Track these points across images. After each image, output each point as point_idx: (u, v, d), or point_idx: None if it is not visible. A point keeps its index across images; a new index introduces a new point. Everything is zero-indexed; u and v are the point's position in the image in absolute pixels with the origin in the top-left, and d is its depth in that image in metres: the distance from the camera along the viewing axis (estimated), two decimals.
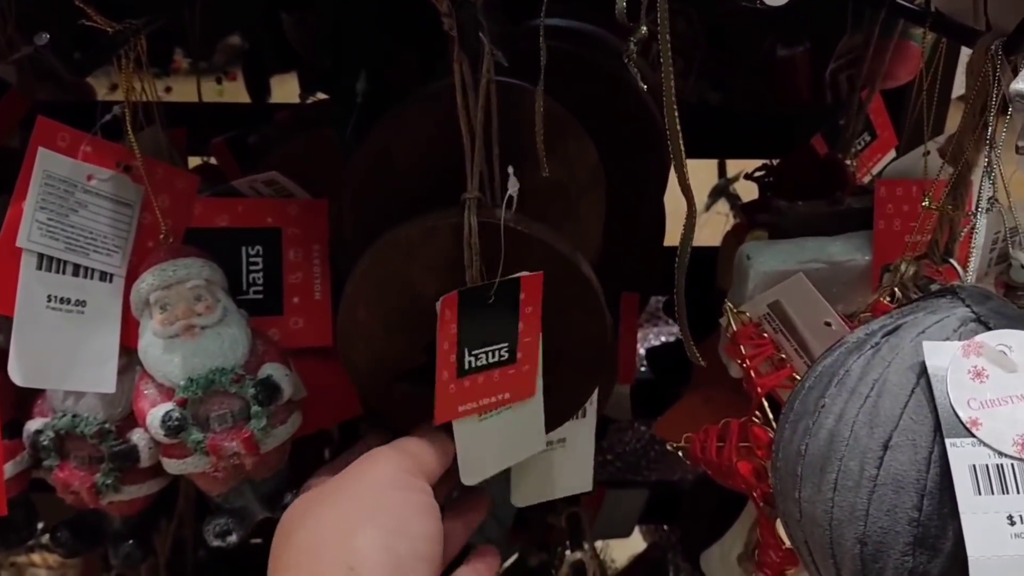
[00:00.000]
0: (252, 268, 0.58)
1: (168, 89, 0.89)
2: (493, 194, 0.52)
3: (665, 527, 1.03)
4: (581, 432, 0.62)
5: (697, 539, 0.90)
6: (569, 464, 0.63)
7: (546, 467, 0.62)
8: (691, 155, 0.71)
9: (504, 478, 0.90)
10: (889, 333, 0.40)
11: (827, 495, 0.39)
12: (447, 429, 0.51)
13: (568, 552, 0.69)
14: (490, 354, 0.51)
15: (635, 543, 1.11)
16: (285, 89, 0.92)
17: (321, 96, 0.83)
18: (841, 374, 0.40)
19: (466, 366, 0.50)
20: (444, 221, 0.50)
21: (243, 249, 0.58)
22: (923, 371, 0.37)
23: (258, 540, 0.91)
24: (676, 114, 0.40)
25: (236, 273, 0.57)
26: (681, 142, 0.40)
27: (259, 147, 0.66)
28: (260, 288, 0.58)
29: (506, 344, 0.51)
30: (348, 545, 0.39)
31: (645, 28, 0.48)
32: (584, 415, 0.62)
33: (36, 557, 1.14)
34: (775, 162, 0.72)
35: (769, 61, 0.75)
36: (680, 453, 0.62)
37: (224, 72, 0.92)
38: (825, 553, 0.39)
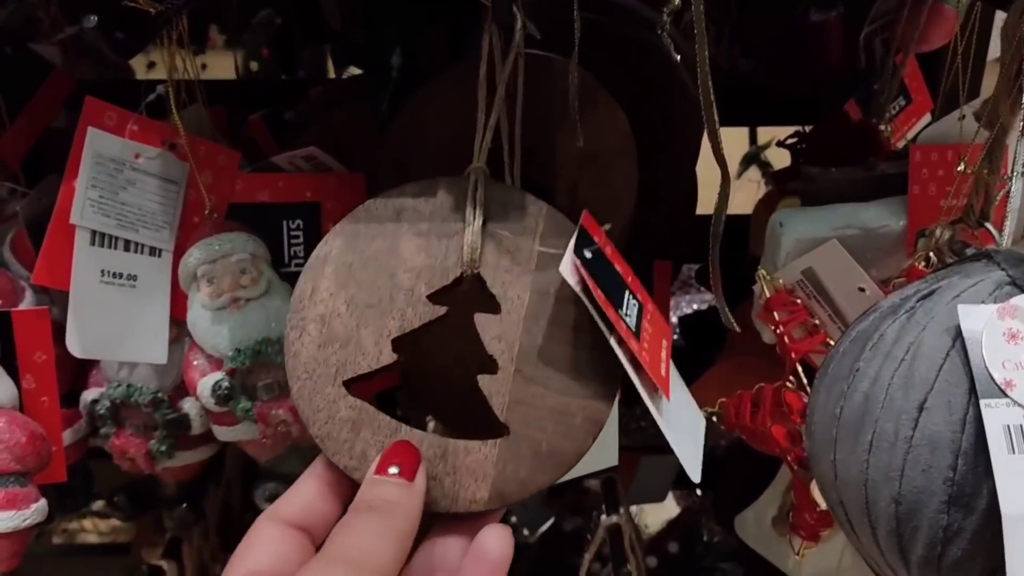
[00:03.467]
0: (293, 241, 0.60)
1: (203, 66, 0.90)
2: (524, 166, 0.52)
3: (698, 492, 1.05)
4: None
5: (730, 503, 0.91)
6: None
7: None
8: (722, 123, 0.71)
9: None
10: (924, 297, 0.40)
11: (862, 457, 0.39)
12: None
13: (604, 516, 0.70)
14: (630, 308, 0.44)
15: (668, 509, 1.12)
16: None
17: (354, 71, 0.84)
18: (876, 338, 0.41)
19: (632, 329, 0.43)
20: (446, 178, 0.47)
21: (284, 223, 0.59)
22: (958, 334, 0.38)
23: None
24: (710, 82, 0.40)
25: (278, 247, 0.59)
26: (715, 110, 0.40)
27: (295, 123, 0.67)
28: (301, 261, 0.60)
29: (627, 291, 0.45)
30: None
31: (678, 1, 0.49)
32: None
33: (87, 523, 1.18)
34: (807, 129, 0.72)
35: (802, 26, 0.74)
36: (714, 418, 0.63)
37: (258, 49, 0.94)
38: (860, 513, 0.40)
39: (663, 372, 0.46)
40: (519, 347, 0.43)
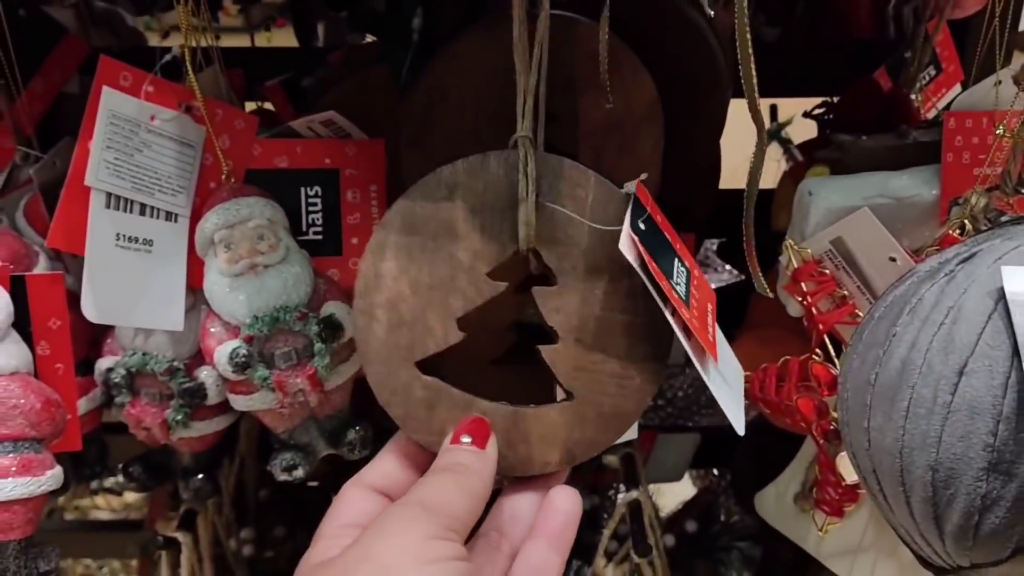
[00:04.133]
0: (311, 209, 0.59)
1: (217, 36, 0.89)
2: (547, 131, 0.50)
3: (715, 472, 1.04)
4: None
5: (748, 482, 0.90)
6: None
7: None
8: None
9: None
10: (964, 260, 0.39)
11: (898, 423, 0.38)
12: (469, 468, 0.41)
13: (623, 492, 0.69)
14: (678, 275, 0.45)
15: (682, 488, 1.11)
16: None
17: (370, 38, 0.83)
18: (913, 302, 0.40)
19: (682, 296, 0.44)
20: (495, 153, 0.46)
21: (302, 190, 0.58)
22: (1000, 296, 0.36)
23: (314, 483, 0.94)
24: (750, 46, 0.39)
25: (296, 214, 0.58)
26: (754, 72, 0.39)
27: (313, 90, 0.66)
28: (319, 229, 0.59)
29: (675, 259, 0.46)
30: None
31: None
32: None
33: (100, 500, 1.18)
34: (835, 100, 0.71)
35: None
36: None
37: (272, 18, 0.92)
38: (895, 481, 0.39)
39: (711, 336, 0.47)
40: (578, 317, 0.44)
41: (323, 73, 0.66)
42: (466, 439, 0.41)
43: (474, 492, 0.38)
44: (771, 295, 0.49)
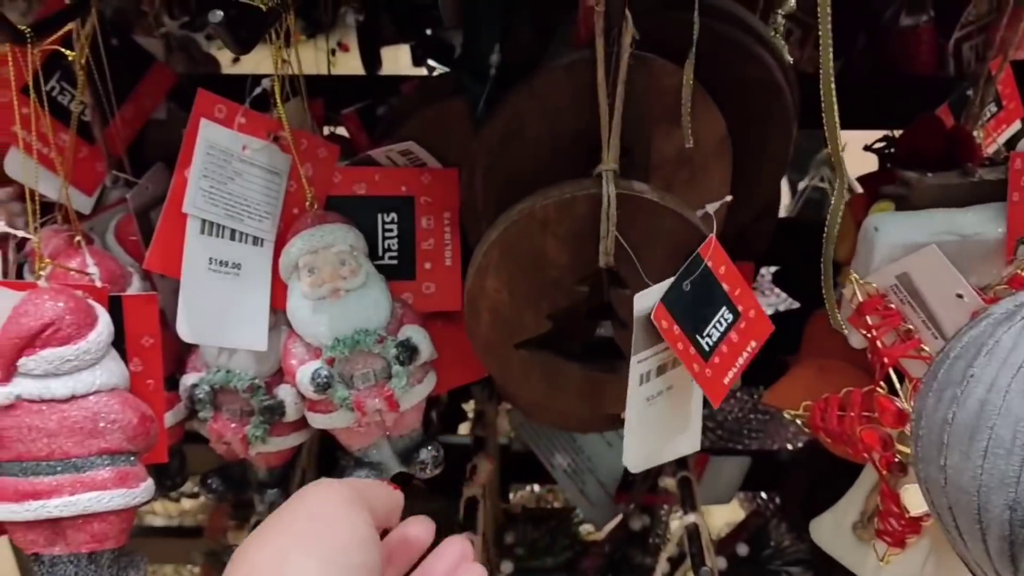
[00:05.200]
0: (387, 234, 0.61)
1: (285, 61, 0.92)
2: (620, 164, 0.53)
3: (763, 495, 1.04)
4: (673, 402, 0.62)
5: (798, 507, 0.90)
6: (678, 426, 0.63)
7: (656, 431, 0.62)
8: (806, 124, 0.71)
9: (607, 442, 0.92)
10: None
11: (976, 462, 0.39)
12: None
13: (681, 515, 0.71)
14: (718, 325, 0.53)
15: (726, 510, 1.12)
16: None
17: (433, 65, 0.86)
18: (991, 344, 0.41)
19: (706, 348, 0.53)
20: (581, 192, 0.52)
21: (379, 216, 0.61)
22: None
23: None
24: (833, 86, 0.40)
25: (372, 239, 0.60)
26: (836, 116, 0.40)
27: (388, 118, 0.68)
28: (395, 254, 0.61)
29: (724, 307, 0.54)
30: (285, 573, 0.36)
31: (793, 2, 0.49)
32: (671, 388, 0.63)
33: (157, 506, 1.21)
34: (896, 133, 0.72)
35: (891, 30, 0.74)
36: (799, 421, 0.63)
37: (338, 43, 0.95)
38: (971, 519, 0.40)
39: (725, 380, 0.55)
40: None
41: (398, 102, 0.69)
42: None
43: (387, 499, 0.42)
44: (845, 331, 0.50)
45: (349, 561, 0.37)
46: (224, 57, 0.92)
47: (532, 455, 0.93)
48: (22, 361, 0.50)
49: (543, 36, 0.74)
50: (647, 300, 0.51)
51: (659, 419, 0.60)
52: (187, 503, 1.18)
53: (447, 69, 0.85)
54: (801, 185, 1.21)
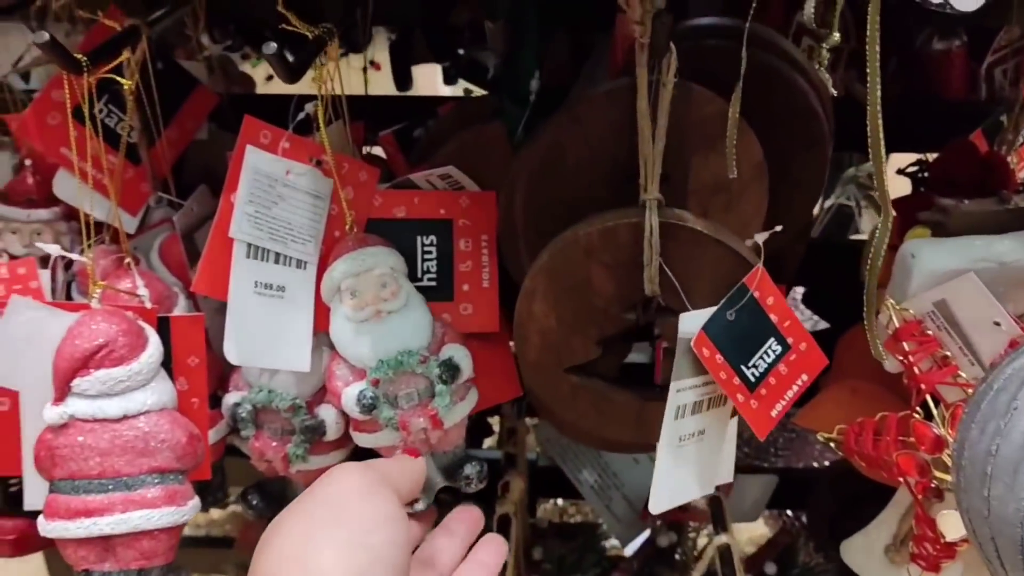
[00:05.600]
0: (426, 256, 0.62)
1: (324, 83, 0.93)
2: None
3: (788, 512, 1.04)
4: (723, 424, 0.63)
5: (825, 526, 0.91)
6: (708, 471, 0.62)
7: (685, 473, 0.60)
8: (838, 147, 0.71)
9: (634, 459, 0.93)
10: None
11: (1020, 494, 0.40)
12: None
13: (709, 534, 0.71)
14: (765, 356, 0.54)
15: (749, 526, 1.12)
16: None
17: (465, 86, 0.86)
18: None
19: (752, 379, 0.53)
20: (624, 221, 0.52)
21: (418, 239, 0.62)
22: None
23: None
24: (880, 117, 0.41)
25: (411, 261, 0.61)
26: (883, 146, 0.41)
27: (424, 140, 0.69)
28: (433, 276, 0.62)
29: (772, 338, 0.54)
30: (310, 558, 0.38)
31: (837, 35, 0.49)
32: (724, 403, 0.64)
33: None
34: (928, 158, 0.72)
35: (922, 54, 0.74)
36: (832, 444, 0.63)
37: (370, 62, 0.96)
38: (1014, 550, 0.41)
39: (773, 413, 0.56)
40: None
41: (435, 125, 0.70)
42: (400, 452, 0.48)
43: (408, 471, 0.44)
44: (885, 359, 0.50)
45: (372, 540, 0.39)
46: (259, 75, 0.94)
47: (558, 470, 0.94)
48: (76, 382, 0.51)
49: (576, 60, 0.75)
50: (691, 323, 0.52)
51: (689, 462, 0.59)
52: (215, 513, 1.19)
53: (478, 89, 0.86)
54: (827, 204, 1.21)
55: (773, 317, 0.54)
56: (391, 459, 0.46)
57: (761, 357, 0.54)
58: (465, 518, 0.48)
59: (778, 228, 0.53)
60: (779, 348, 0.54)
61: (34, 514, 0.54)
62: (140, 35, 0.55)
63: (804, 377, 0.56)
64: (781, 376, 0.55)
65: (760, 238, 0.53)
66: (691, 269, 0.53)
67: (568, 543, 0.91)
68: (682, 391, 0.54)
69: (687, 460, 0.58)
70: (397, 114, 0.80)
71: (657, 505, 0.58)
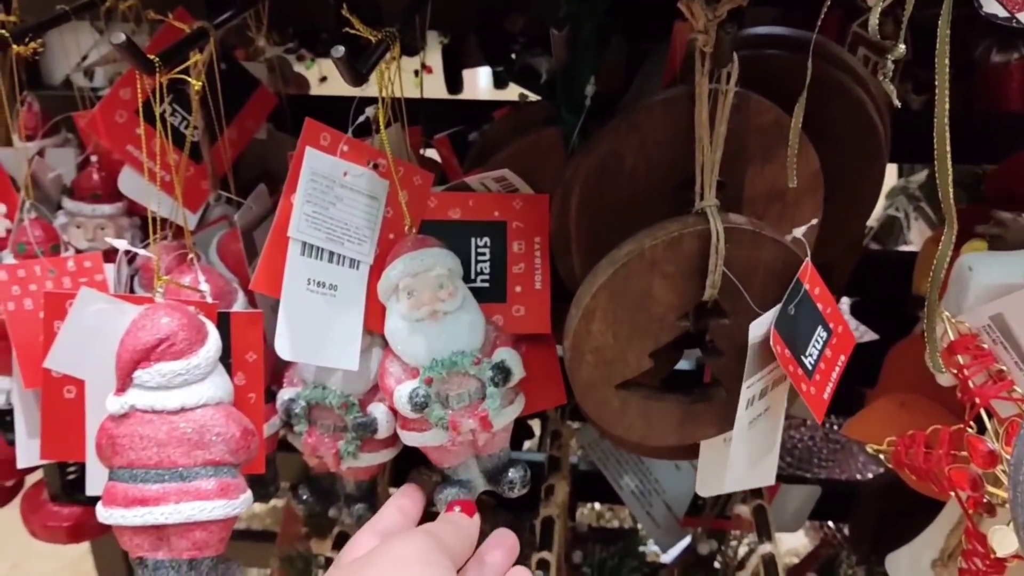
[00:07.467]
0: (480, 258, 0.62)
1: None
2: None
3: (830, 524, 1.04)
4: (767, 426, 0.63)
5: (868, 538, 0.90)
6: (765, 451, 0.64)
7: (752, 453, 0.63)
8: (892, 158, 0.70)
9: (676, 465, 0.93)
10: None
11: None
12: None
13: (750, 542, 0.71)
14: (816, 343, 0.56)
15: (788, 536, 1.11)
16: None
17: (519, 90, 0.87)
18: None
19: (809, 367, 0.55)
20: (688, 230, 0.53)
21: (472, 240, 0.62)
22: None
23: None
24: (947, 131, 0.41)
25: (465, 263, 0.61)
26: (949, 160, 0.41)
27: (480, 144, 0.70)
28: (487, 277, 0.62)
29: (819, 325, 0.56)
30: None
31: (903, 47, 0.49)
32: (768, 409, 0.64)
33: None
34: (984, 169, 0.72)
35: (979, 65, 0.73)
36: (881, 456, 0.63)
37: (422, 64, 0.97)
38: None
39: (825, 395, 0.58)
40: (741, 342, 0.55)
41: (491, 129, 0.70)
42: (457, 508, 0.49)
43: (463, 537, 0.46)
44: (942, 371, 0.50)
45: None
46: (312, 76, 0.95)
47: (599, 474, 0.94)
48: (137, 373, 0.53)
49: (630, 67, 0.75)
50: (759, 328, 0.53)
51: (756, 440, 0.61)
52: (258, 507, 1.21)
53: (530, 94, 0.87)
54: (876, 214, 1.20)
55: (820, 306, 0.56)
56: (450, 522, 0.47)
57: (813, 345, 0.56)
58: (501, 544, 0.49)
59: (814, 221, 0.56)
60: (825, 334, 0.57)
61: (89, 503, 0.55)
62: (208, 37, 0.56)
63: (843, 358, 0.58)
64: (827, 360, 0.57)
65: (799, 232, 0.55)
66: (748, 270, 0.54)
67: (608, 547, 0.91)
68: (751, 386, 0.56)
69: (755, 437, 0.60)
70: (451, 117, 0.81)
71: (709, 489, 0.63)
